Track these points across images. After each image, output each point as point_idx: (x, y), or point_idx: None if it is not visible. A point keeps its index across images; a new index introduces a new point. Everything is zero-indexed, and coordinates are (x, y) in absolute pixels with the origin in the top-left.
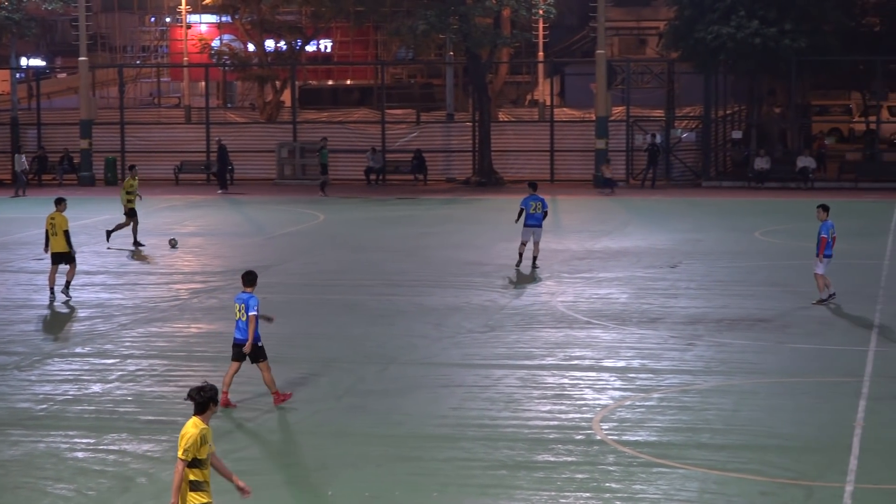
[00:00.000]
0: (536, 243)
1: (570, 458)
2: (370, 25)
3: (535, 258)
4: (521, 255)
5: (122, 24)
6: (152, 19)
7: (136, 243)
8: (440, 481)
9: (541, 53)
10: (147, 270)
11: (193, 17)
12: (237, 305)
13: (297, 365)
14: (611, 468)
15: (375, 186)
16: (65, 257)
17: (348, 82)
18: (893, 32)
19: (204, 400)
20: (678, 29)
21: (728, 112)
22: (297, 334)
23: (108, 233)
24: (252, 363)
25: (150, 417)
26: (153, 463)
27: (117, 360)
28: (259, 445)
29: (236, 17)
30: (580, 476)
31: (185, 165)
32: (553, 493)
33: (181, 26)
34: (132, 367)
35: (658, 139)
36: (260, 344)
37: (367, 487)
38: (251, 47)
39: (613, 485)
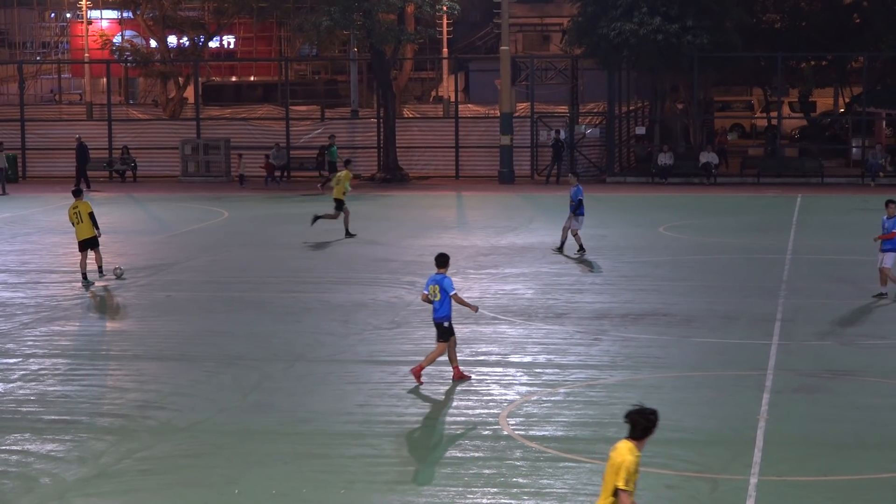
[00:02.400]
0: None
1: (477, 454)
2: (273, 21)
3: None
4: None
5: (22, 20)
6: (52, 15)
7: (348, 233)
8: (347, 478)
9: (445, 50)
10: (49, 269)
11: (94, 13)
12: (431, 287)
13: (202, 363)
14: (518, 463)
15: (279, 183)
16: (91, 242)
17: (252, 79)
18: (794, 29)
19: (646, 426)
20: (581, 25)
21: (631, 108)
22: (202, 332)
23: (316, 217)
24: (437, 340)
25: (53, 417)
26: (57, 463)
27: (19, 359)
28: (164, 444)
29: (138, 12)
30: (487, 471)
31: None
32: (460, 489)
33: (82, 22)
34: (34, 367)
35: (562, 135)
36: (447, 325)
37: (274, 485)
38: (153, 43)
39: (520, 480)
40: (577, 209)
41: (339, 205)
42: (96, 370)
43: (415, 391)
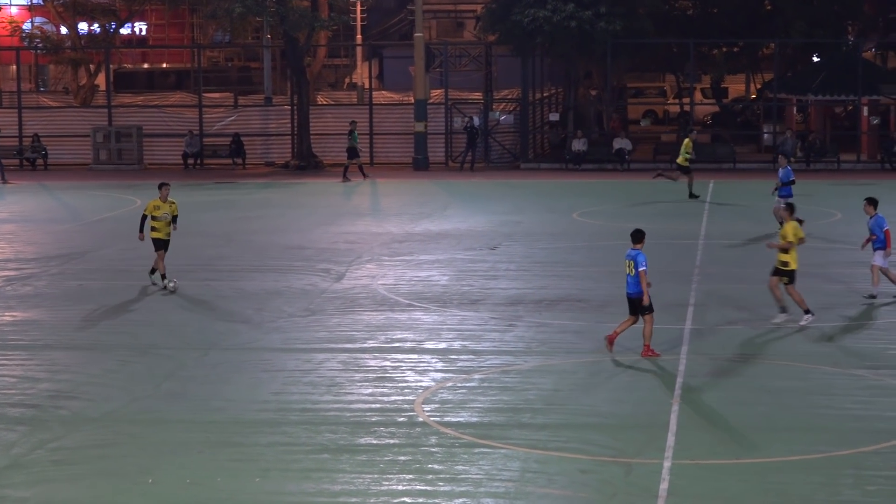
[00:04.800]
0: None
1: (392, 441)
2: (185, 8)
3: None
4: None
5: None
6: None
7: (692, 195)
8: (262, 466)
9: (359, 36)
10: None
11: (3, 0)
12: (626, 262)
13: (115, 352)
14: (433, 449)
15: (193, 171)
16: (167, 244)
17: (164, 66)
18: (706, 16)
19: None
20: (495, 12)
21: (545, 94)
22: (116, 321)
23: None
24: (640, 315)
25: None
26: None
27: None
28: (77, 434)
29: None
30: (403, 458)
31: None
32: (376, 476)
33: None
34: None
35: (476, 122)
36: (642, 301)
37: (189, 474)
38: (64, 30)
39: (436, 466)
40: (781, 190)
41: (686, 169)
42: (6, 360)
43: (329, 379)
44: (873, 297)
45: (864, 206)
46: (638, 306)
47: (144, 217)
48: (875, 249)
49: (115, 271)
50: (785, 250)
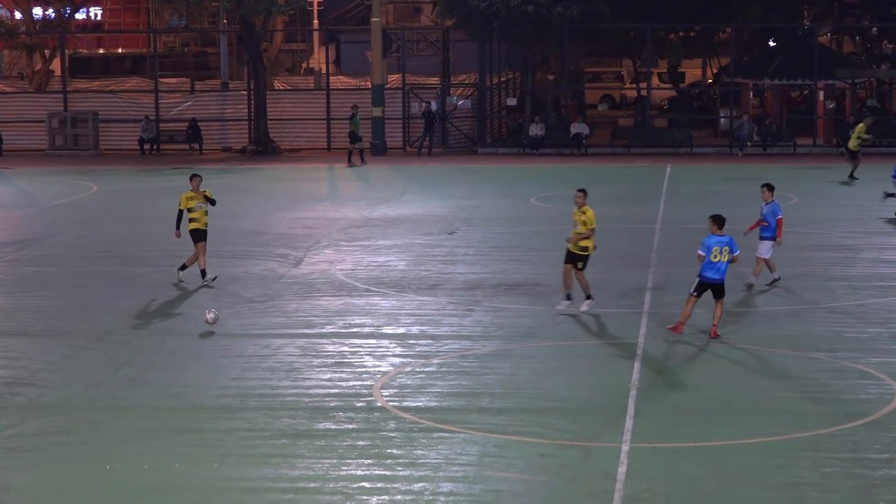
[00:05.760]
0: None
1: (351, 426)
2: None
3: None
4: None
5: None
6: None
7: (852, 176)
8: (221, 452)
9: (316, 21)
10: None
11: None
12: (716, 248)
13: (73, 338)
14: (392, 434)
15: (150, 156)
16: (206, 234)
17: (120, 51)
18: (662, 2)
19: None
20: None
21: (503, 79)
22: (72, 307)
23: (887, 195)
24: (716, 298)
25: None
26: None
27: None
28: (34, 421)
29: None
30: (361, 443)
31: None
32: (335, 461)
33: None
34: None
35: (434, 107)
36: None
37: (147, 460)
38: (18, 15)
39: (395, 451)
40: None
41: (854, 154)
42: None
43: (288, 365)
44: (750, 285)
45: (761, 191)
46: (720, 291)
47: (181, 212)
48: (762, 238)
49: (71, 257)
50: (587, 237)
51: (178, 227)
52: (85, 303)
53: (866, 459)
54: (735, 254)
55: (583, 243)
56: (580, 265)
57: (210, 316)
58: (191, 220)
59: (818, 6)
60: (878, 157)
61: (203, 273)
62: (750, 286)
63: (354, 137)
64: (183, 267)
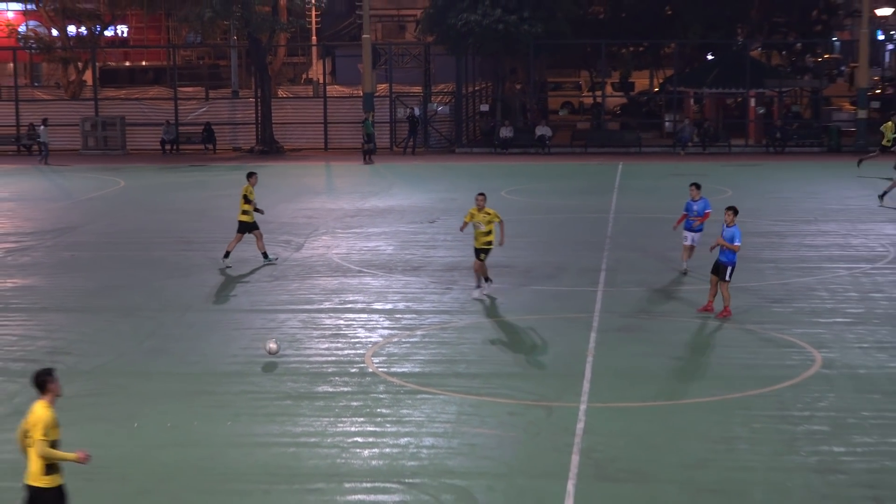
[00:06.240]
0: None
1: (346, 389)
2: (162, 12)
3: None
4: None
5: None
6: None
7: None
8: (233, 412)
9: (314, 38)
10: None
11: (1, 5)
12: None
13: (104, 314)
14: (381, 396)
15: (170, 155)
16: (247, 226)
17: (143, 63)
18: (615, 20)
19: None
20: (433, 16)
21: (476, 88)
22: (103, 287)
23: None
24: (722, 280)
25: None
26: None
27: None
28: (71, 385)
29: (40, 4)
30: (355, 403)
31: None
32: (332, 419)
33: None
34: None
35: (417, 112)
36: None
37: (169, 419)
38: (55, 32)
39: (384, 410)
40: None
41: (885, 149)
42: (8, 321)
43: (291, 336)
44: (684, 271)
45: (691, 190)
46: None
47: (250, 201)
48: (697, 231)
49: (102, 243)
50: (489, 232)
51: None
52: (114, 283)
53: (790, 416)
54: (737, 243)
55: (487, 238)
56: (482, 256)
57: (272, 346)
58: (244, 213)
59: (750, 25)
60: (796, 156)
61: (264, 255)
62: (682, 271)
63: (367, 139)
64: (227, 255)
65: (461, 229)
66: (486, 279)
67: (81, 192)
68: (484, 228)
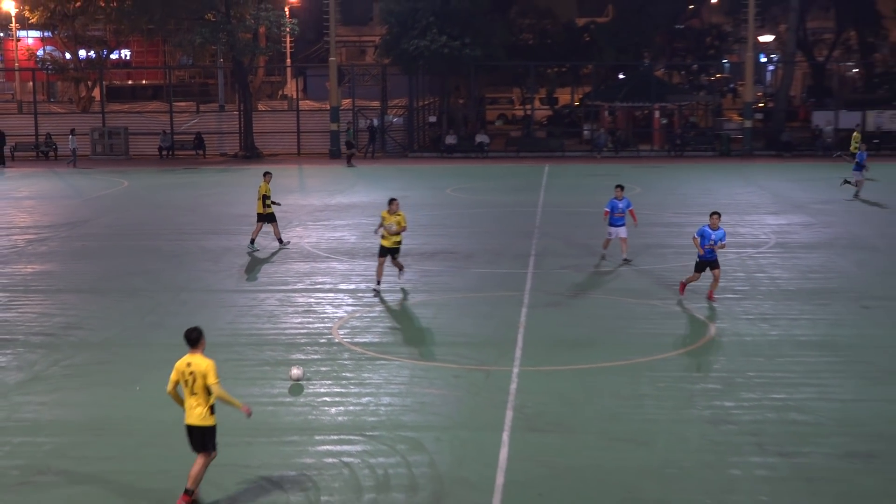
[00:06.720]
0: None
1: (316, 356)
2: (159, 39)
3: None
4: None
5: None
6: None
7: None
8: (220, 377)
9: (289, 60)
10: None
11: (22, 33)
12: (713, 239)
13: (110, 294)
14: (346, 362)
15: (166, 160)
16: (265, 217)
17: (144, 82)
18: (542, 45)
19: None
20: (389, 42)
21: (426, 102)
22: (109, 272)
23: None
24: (711, 270)
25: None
26: (0, 371)
27: None
28: (83, 354)
29: (56, 32)
30: (324, 369)
31: (19, 146)
32: (304, 382)
33: (12, 39)
34: None
35: (376, 122)
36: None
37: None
38: (68, 55)
39: (348, 374)
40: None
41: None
42: (29, 301)
43: (269, 312)
44: (628, 260)
45: (616, 191)
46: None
47: (265, 197)
48: (619, 225)
49: (108, 235)
50: (399, 233)
51: (274, 202)
52: (119, 268)
53: (689, 377)
54: (724, 241)
55: (398, 239)
56: (396, 255)
57: (296, 372)
58: (265, 206)
59: (655, 49)
60: (693, 159)
61: (279, 241)
62: (626, 261)
63: (350, 145)
64: (252, 241)
65: (376, 232)
66: (401, 269)
67: (91, 191)
68: (395, 229)
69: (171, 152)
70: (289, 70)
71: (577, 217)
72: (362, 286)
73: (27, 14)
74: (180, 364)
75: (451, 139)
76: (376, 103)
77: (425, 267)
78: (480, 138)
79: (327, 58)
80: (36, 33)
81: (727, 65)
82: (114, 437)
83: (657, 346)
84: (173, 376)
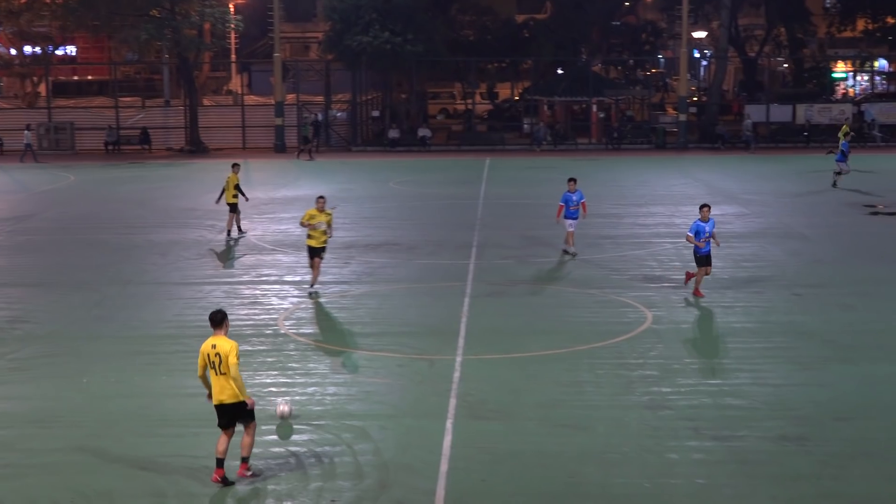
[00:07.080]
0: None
1: (262, 347)
2: (105, 35)
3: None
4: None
5: None
6: None
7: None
8: (168, 368)
9: (233, 55)
10: None
11: None
12: (709, 232)
13: (56, 288)
14: (292, 353)
15: (112, 154)
16: (233, 207)
17: (89, 77)
18: (482, 41)
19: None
20: (332, 38)
21: (369, 97)
22: (55, 266)
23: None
24: (706, 266)
25: None
26: None
27: None
28: (29, 348)
29: (1, 28)
30: (270, 359)
31: None
32: (251, 372)
33: None
34: None
35: (320, 117)
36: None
37: (114, 375)
38: (13, 51)
39: (294, 364)
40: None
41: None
42: None
43: (216, 304)
44: (573, 254)
45: (569, 184)
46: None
47: (237, 185)
48: (570, 218)
49: (54, 228)
50: (325, 232)
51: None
52: (65, 262)
53: (627, 364)
54: (715, 230)
55: (325, 237)
56: (323, 255)
57: (284, 409)
58: (233, 196)
59: (592, 45)
60: (630, 151)
61: (239, 230)
62: (571, 254)
63: (305, 140)
64: (227, 232)
65: (301, 224)
66: (317, 277)
67: (37, 185)
68: (323, 228)
69: (117, 147)
70: (234, 66)
71: (518, 209)
72: (307, 278)
73: None
74: (205, 347)
75: (393, 133)
76: (320, 98)
77: (369, 258)
78: (423, 132)
79: (272, 53)
80: None
81: (662, 60)
82: (62, 430)
83: (596, 334)
84: (200, 361)
